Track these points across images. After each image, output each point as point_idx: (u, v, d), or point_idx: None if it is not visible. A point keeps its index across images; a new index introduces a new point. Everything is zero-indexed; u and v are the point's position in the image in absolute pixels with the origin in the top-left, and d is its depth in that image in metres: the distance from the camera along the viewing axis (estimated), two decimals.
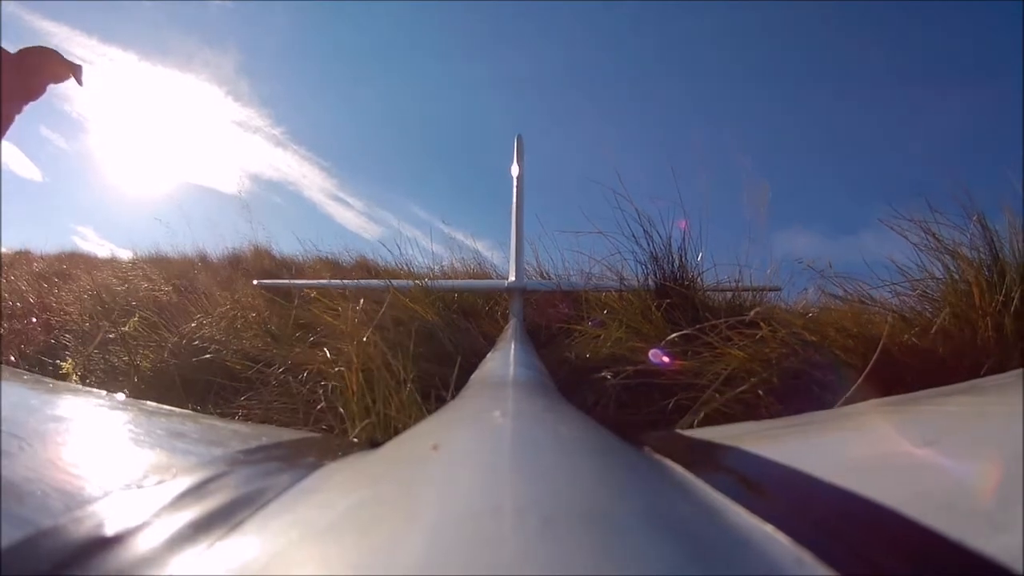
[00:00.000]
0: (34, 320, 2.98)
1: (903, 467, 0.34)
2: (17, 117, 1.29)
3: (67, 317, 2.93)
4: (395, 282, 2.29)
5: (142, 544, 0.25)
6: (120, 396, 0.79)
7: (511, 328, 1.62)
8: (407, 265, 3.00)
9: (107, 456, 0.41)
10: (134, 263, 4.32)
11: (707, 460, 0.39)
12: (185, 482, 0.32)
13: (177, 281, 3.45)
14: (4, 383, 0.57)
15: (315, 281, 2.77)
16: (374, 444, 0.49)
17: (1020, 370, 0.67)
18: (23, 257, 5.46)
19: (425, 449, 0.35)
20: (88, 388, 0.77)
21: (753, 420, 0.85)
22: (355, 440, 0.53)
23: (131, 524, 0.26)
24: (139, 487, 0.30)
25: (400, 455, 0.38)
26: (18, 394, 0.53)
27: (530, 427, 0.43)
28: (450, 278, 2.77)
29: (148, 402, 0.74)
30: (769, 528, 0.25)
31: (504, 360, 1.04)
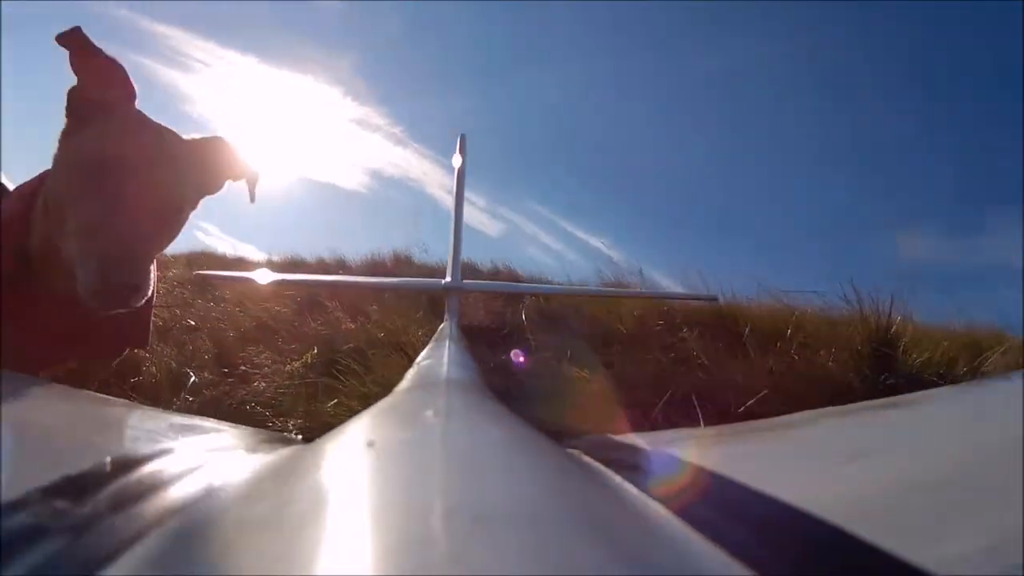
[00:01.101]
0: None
1: (833, 475, 0.35)
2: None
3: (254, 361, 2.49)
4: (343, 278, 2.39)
5: (74, 538, 0.24)
6: (57, 385, 0.70)
7: (446, 327, 1.61)
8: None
9: (34, 445, 0.40)
10: (269, 263, 4.30)
11: (635, 464, 0.39)
12: (117, 473, 0.31)
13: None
14: None
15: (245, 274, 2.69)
16: (307, 440, 0.49)
17: (960, 384, 0.65)
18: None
19: (360, 446, 0.35)
20: (21, 375, 0.67)
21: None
22: (289, 435, 0.53)
23: (57, 516, 0.26)
24: (70, 479, 0.29)
25: (334, 451, 0.37)
26: None
27: (463, 426, 0.43)
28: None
29: (84, 391, 0.73)
30: (692, 531, 0.26)
31: (438, 359, 1.02)
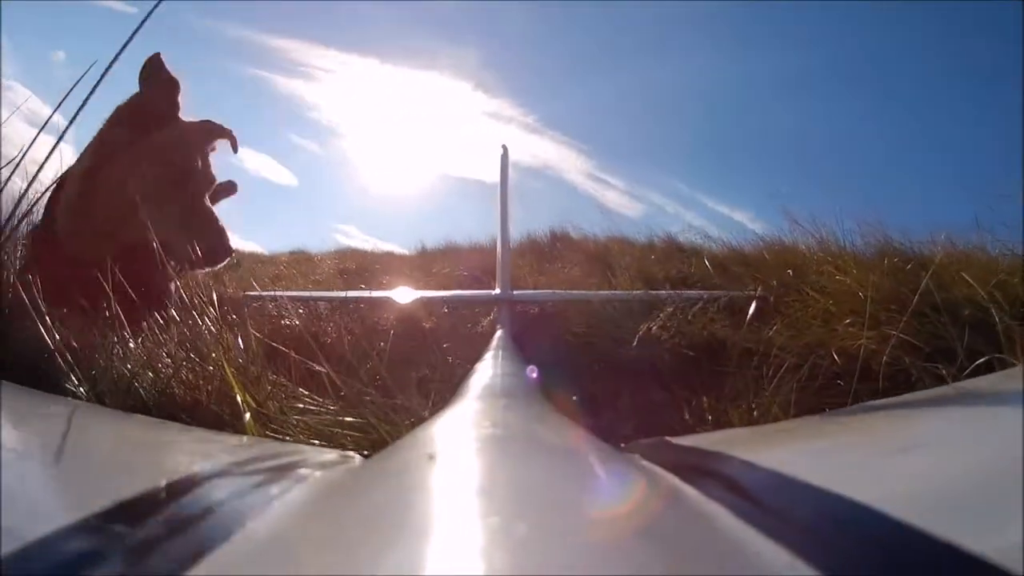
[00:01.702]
0: None
1: (894, 470, 0.34)
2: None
3: None
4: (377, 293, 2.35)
5: (130, 558, 0.24)
6: (110, 409, 0.78)
7: (498, 338, 1.64)
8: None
9: (91, 469, 0.40)
10: (423, 255, 4.28)
11: (697, 467, 0.39)
12: (174, 495, 0.31)
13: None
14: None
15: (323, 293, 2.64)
16: (365, 456, 0.50)
17: (1007, 371, 0.70)
18: (300, 257, 5.10)
19: (419, 460, 0.35)
20: (77, 401, 0.79)
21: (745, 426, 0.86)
22: (347, 452, 0.54)
23: (116, 538, 0.26)
24: (128, 500, 0.30)
25: (394, 466, 0.38)
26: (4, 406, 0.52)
27: (521, 437, 0.43)
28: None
29: (138, 415, 0.75)
30: (759, 534, 0.25)
31: (494, 370, 1.05)
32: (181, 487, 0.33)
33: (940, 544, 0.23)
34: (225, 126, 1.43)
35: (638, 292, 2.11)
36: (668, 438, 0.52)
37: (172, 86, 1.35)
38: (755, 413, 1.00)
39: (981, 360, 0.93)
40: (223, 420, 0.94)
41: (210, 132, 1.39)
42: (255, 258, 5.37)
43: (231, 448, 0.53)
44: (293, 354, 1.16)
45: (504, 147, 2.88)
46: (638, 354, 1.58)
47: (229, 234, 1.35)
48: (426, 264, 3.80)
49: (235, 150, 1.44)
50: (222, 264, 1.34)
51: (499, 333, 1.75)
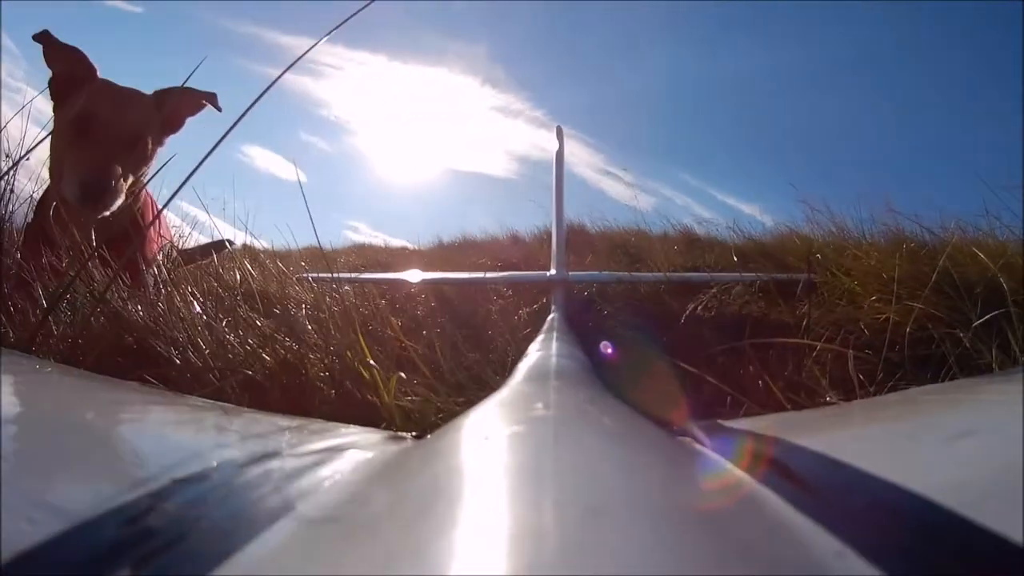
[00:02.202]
0: None
1: (946, 457, 0.34)
2: (160, 150, 1.59)
3: None
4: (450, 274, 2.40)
5: (187, 538, 0.25)
6: (160, 389, 0.80)
7: (553, 320, 1.63)
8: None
9: (147, 449, 0.41)
10: (441, 248, 4.29)
11: (748, 451, 0.39)
12: (228, 475, 0.32)
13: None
14: (23, 373, 0.56)
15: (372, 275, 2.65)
16: (418, 437, 0.51)
17: None
18: (315, 252, 5.31)
19: (474, 441, 0.35)
20: (126, 382, 0.77)
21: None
22: (400, 433, 0.54)
23: (174, 518, 0.26)
24: (180, 480, 0.30)
25: (447, 447, 0.38)
26: (44, 385, 0.53)
27: (574, 419, 0.43)
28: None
29: (188, 396, 0.75)
30: (811, 522, 0.25)
31: (546, 352, 1.04)
32: (232, 467, 0.33)
33: (995, 536, 0.23)
34: (197, 97, 1.57)
35: (689, 274, 2.13)
36: (720, 421, 0.52)
37: (72, 52, 1.49)
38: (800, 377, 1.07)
39: (989, 316, 1.07)
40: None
41: (128, 94, 1.51)
42: (268, 253, 5.41)
43: (282, 428, 0.52)
44: (396, 335, 1.18)
45: (559, 127, 2.88)
46: (683, 331, 1.63)
47: (117, 184, 1.40)
48: (448, 257, 3.82)
49: (217, 108, 1.59)
50: (100, 209, 1.40)
51: (553, 314, 1.74)
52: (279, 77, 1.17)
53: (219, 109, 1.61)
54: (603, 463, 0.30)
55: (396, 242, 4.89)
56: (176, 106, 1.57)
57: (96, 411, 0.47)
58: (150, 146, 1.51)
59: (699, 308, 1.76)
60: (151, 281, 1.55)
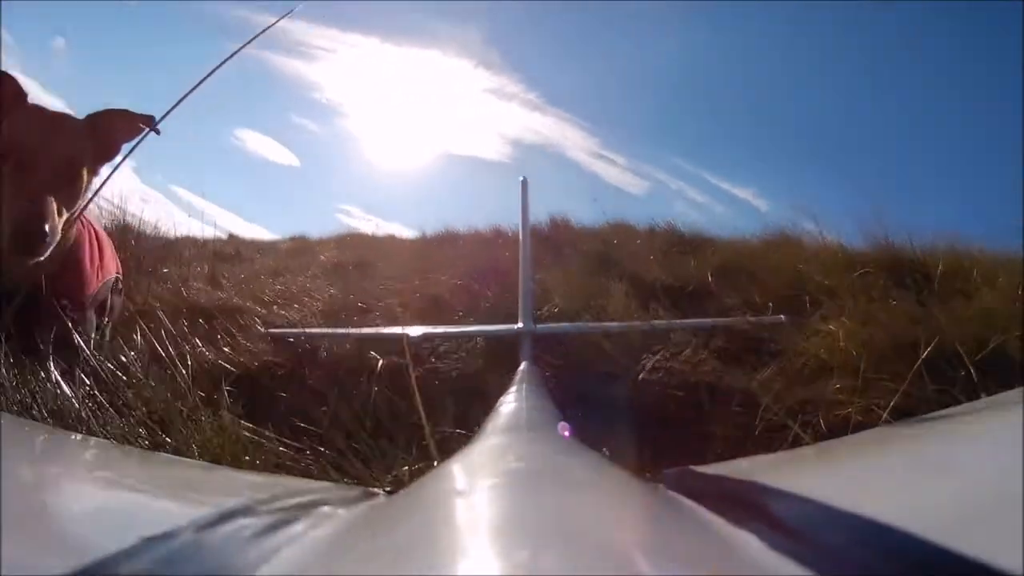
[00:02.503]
0: None
1: (923, 494, 0.34)
2: (96, 180, 1.41)
3: None
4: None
5: None
6: (130, 448, 0.78)
7: (522, 372, 1.63)
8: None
9: (118, 508, 0.40)
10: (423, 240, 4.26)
11: (724, 496, 0.39)
12: (199, 533, 0.31)
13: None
14: (5, 434, 0.55)
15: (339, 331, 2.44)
16: (391, 492, 0.50)
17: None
18: (300, 244, 5.10)
19: (448, 494, 0.35)
20: (97, 439, 0.79)
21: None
22: (372, 489, 0.53)
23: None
24: (151, 539, 0.30)
25: (420, 502, 0.38)
26: (22, 446, 0.51)
27: (548, 472, 0.43)
28: None
29: (160, 453, 0.75)
30: (790, 562, 0.25)
31: (518, 404, 1.05)
32: (205, 524, 0.33)
33: (974, 567, 0.23)
34: (135, 121, 1.42)
35: (655, 322, 2.07)
36: (693, 467, 0.52)
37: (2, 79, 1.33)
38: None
39: None
40: None
41: (53, 119, 1.34)
42: (255, 245, 5.36)
43: (254, 485, 0.53)
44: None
45: (524, 179, 2.87)
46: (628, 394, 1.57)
47: (52, 224, 1.24)
48: (428, 254, 3.78)
49: (156, 132, 1.44)
50: (34, 256, 1.24)
51: (523, 366, 1.73)
52: (229, 58, 1.33)
53: (157, 132, 1.44)
54: (579, 515, 0.30)
55: (390, 227, 4.91)
56: (111, 131, 1.41)
57: (65, 468, 0.47)
58: (85, 177, 1.35)
59: (648, 369, 1.71)
60: (94, 318, 1.48)
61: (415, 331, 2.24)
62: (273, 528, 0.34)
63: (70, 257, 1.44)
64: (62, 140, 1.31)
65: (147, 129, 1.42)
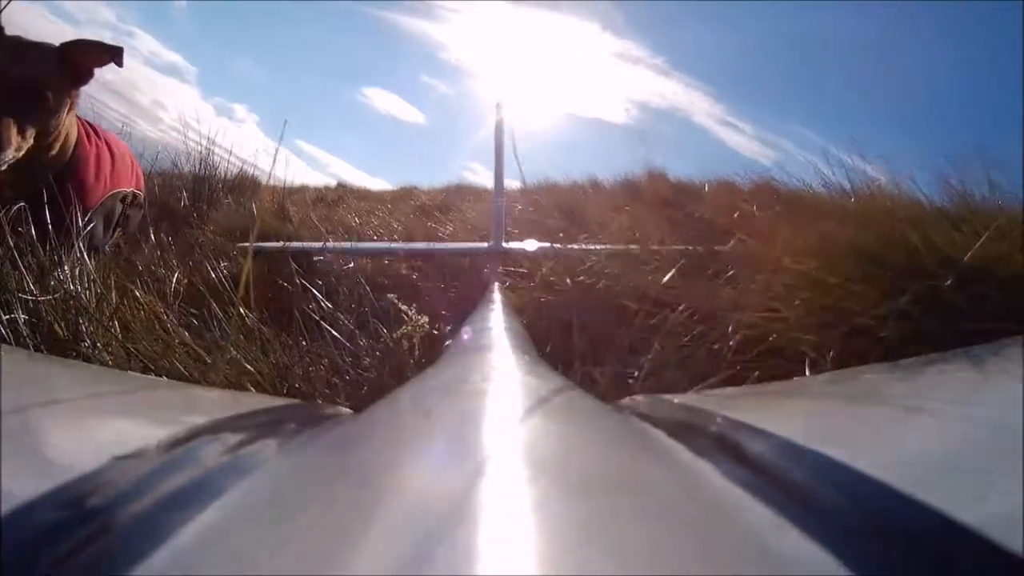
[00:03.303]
0: None
1: (891, 434, 0.34)
2: (75, 102, 1.66)
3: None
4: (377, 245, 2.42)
5: (126, 518, 0.24)
6: (93, 366, 0.80)
7: (490, 291, 1.62)
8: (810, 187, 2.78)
9: (86, 428, 0.40)
10: (522, 191, 4.34)
11: (689, 426, 0.39)
12: (167, 453, 0.31)
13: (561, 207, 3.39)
14: None
15: (320, 244, 2.58)
16: (355, 410, 0.49)
17: (1019, 337, 0.66)
18: (407, 193, 5.50)
19: (416, 415, 0.36)
20: (58, 358, 0.78)
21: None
22: (338, 407, 0.53)
23: (113, 497, 0.26)
24: (119, 458, 0.29)
25: (388, 421, 0.38)
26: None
27: (514, 391, 0.43)
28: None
29: (127, 372, 0.76)
30: (750, 496, 0.26)
31: (484, 323, 1.04)
32: (173, 443, 0.33)
33: (939, 515, 0.23)
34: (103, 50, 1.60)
35: (633, 247, 2.03)
36: (663, 395, 0.52)
37: None
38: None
39: None
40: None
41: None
42: (360, 192, 5.66)
43: (219, 402, 0.53)
44: None
45: (499, 102, 2.85)
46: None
47: (4, 134, 1.41)
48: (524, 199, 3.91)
49: (119, 64, 1.63)
50: None
51: (491, 284, 1.74)
52: None
53: (120, 65, 1.64)
54: (543, 436, 0.31)
55: (511, 184, 5.13)
56: (80, 58, 1.61)
57: (29, 388, 0.47)
58: (50, 98, 1.54)
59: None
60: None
61: (379, 246, 2.49)
62: (240, 446, 0.34)
63: (70, 167, 1.69)
64: (27, 64, 1.51)
65: (111, 61, 1.63)
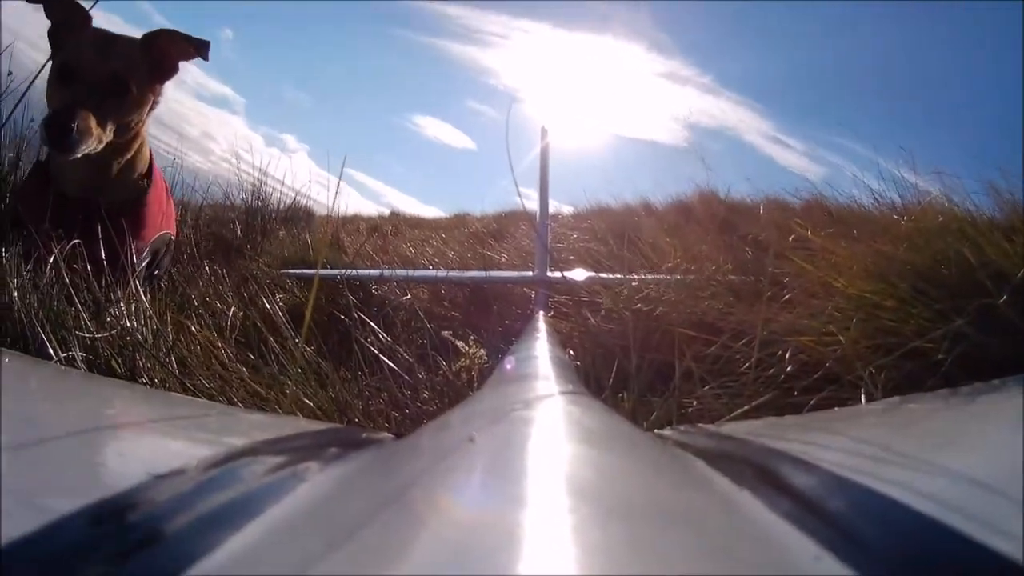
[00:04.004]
0: None
1: (934, 465, 0.34)
2: (161, 98, 1.61)
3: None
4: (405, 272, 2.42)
5: (162, 535, 0.25)
6: (138, 386, 0.80)
7: (536, 320, 1.62)
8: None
9: (125, 445, 0.40)
10: (575, 216, 4.42)
11: (728, 455, 0.40)
12: (206, 472, 0.31)
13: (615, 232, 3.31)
14: (14, 370, 0.55)
15: (358, 271, 2.57)
16: (398, 436, 0.50)
17: None
18: (460, 220, 5.68)
19: (459, 441, 0.36)
20: (104, 377, 0.80)
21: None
22: (380, 432, 0.53)
23: (150, 515, 0.26)
24: (158, 477, 0.30)
25: (431, 447, 0.39)
26: (26, 382, 0.52)
27: (557, 420, 0.43)
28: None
29: (169, 392, 0.77)
30: (790, 525, 0.25)
31: (529, 352, 1.06)
32: (213, 463, 0.33)
33: (973, 544, 0.23)
34: (189, 42, 1.56)
35: (679, 276, 1.99)
36: (702, 425, 0.53)
37: (65, 3, 1.50)
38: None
39: None
40: None
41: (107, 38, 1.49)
42: (413, 221, 5.76)
43: (260, 425, 0.53)
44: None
45: (544, 128, 2.80)
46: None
47: (83, 125, 1.37)
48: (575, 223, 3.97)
49: (204, 57, 1.58)
50: (64, 151, 1.37)
51: (536, 313, 1.76)
52: None
53: (206, 59, 1.60)
54: (584, 465, 0.31)
55: (564, 209, 5.01)
56: (163, 50, 1.56)
57: (70, 405, 0.48)
58: (134, 90, 1.49)
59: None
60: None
61: (428, 274, 2.51)
62: (280, 468, 0.34)
63: (142, 198, 1.64)
64: (112, 57, 1.46)
65: (198, 55, 1.59)
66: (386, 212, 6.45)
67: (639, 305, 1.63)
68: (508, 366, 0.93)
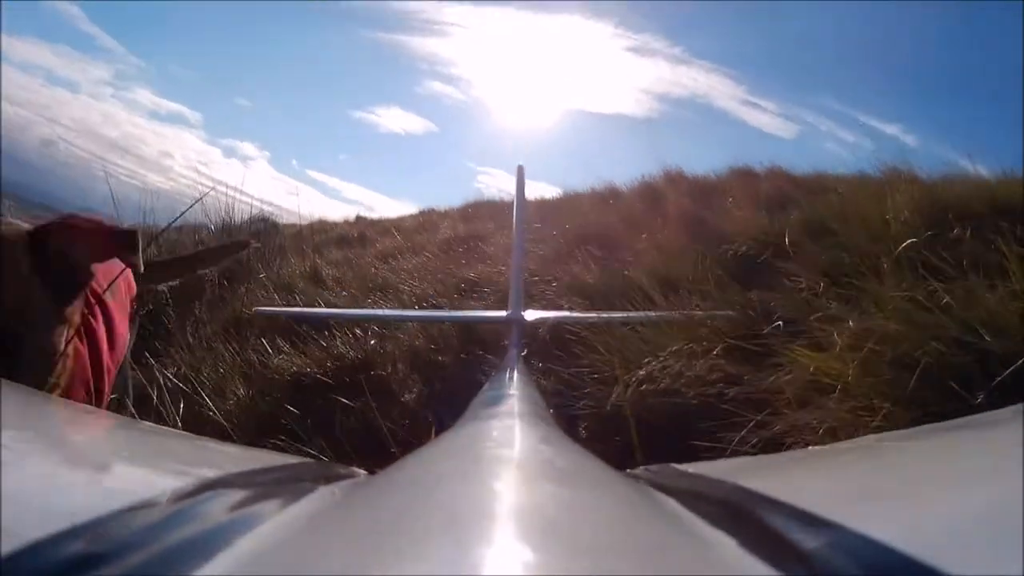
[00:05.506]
0: None
1: (909, 503, 0.34)
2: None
3: None
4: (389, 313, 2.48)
5: (130, 567, 0.24)
6: (110, 414, 0.79)
7: (509, 358, 1.63)
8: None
9: (96, 476, 0.40)
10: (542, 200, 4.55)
11: (700, 494, 0.39)
12: (175, 504, 0.31)
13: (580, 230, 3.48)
14: (20, 406, 0.53)
15: (328, 311, 2.73)
16: (370, 472, 0.50)
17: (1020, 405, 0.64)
18: (427, 219, 5.65)
19: (429, 478, 0.36)
20: (76, 404, 0.74)
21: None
22: (352, 468, 0.52)
23: (116, 544, 0.26)
24: (126, 507, 0.30)
25: (402, 484, 0.38)
26: (21, 414, 0.50)
27: (528, 458, 0.43)
28: None
29: (140, 421, 0.77)
30: (764, 564, 0.26)
31: (503, 390, 1.05)
32: (183, 495, 0.33)
33: None
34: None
35: (653, 314, 2.06)
36: (674, 464, 0.52)
37: None
38: None
39: None
40: None
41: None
42: (381, 225, 5.76)
43: (233, 458, 0.53)
44: None
45: (520, 167, 2.85)
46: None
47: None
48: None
49: (133, 265, 0.88)
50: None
51: (511, 352, 1.75)
52: None
53: (136, 266, 0.89)
54: (556, 505, 0.31)
55: (536, 186, 5.15)
56: (67, 251, 0.84)
57: (47, 435, 0.48)
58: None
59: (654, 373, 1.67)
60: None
61: (404, 314, 2.52)
62: (251, 501, 0.34)
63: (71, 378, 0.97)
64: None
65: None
66: (351, 213, 6.34)
67: (644, 386, 1.63)
68: (481, 403, 0.92)
